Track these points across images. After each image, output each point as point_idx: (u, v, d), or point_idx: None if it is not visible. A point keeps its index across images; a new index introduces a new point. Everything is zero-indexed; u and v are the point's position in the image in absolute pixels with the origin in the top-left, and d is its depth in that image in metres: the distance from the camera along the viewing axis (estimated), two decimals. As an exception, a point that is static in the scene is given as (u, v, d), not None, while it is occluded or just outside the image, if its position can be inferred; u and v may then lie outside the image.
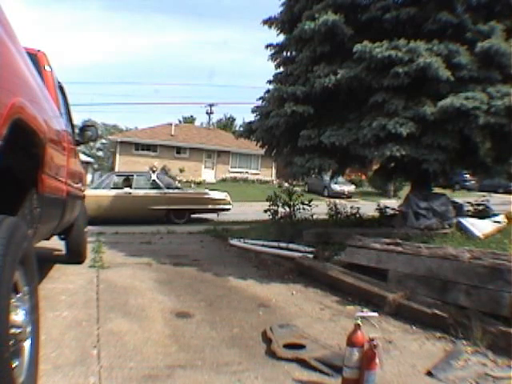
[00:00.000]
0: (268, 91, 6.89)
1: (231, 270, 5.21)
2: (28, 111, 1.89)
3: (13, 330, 1.49)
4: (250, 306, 3.74)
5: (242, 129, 8.54)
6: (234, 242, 7.14)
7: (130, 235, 8.22)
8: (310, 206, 7.45)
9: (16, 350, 1.53)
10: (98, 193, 10.39)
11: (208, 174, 28.15)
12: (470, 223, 5.78)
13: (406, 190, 9.28)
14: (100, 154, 44.40)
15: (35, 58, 3.27)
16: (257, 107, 7.00)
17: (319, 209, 7.83)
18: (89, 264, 5.07)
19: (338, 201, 9.21)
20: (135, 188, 11.13)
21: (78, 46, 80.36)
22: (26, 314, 1.69)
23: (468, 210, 6.99)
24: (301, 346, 2.75)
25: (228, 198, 12.15)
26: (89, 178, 15.29)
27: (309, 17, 5.76)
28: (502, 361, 2.70)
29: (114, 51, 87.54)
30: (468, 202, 7.44)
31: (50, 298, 3.55)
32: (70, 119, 4.42)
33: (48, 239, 4.03)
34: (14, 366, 1.46)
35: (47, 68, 3.55)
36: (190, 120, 42.94)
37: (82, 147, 7.15)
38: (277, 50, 7.04)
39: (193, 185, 24.84)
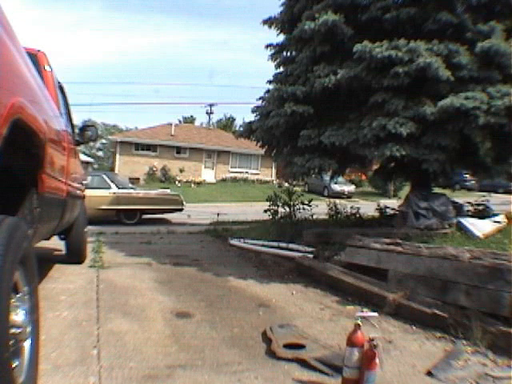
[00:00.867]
0: (268, 91, 6.89)
1: (231, 270, 5.21)
2: (28, 111, 1.89)
3: (13, 330, 1.49)
4: (250, 306, 3.74)
5: (241, 129, 8.53)
6: (234, 241, 7.14)
7: (130, 235, 8.22)
8: (310, 205, 7.46)
9: (16, 350, 1.53)
10: None
11: (208, 174, 28.15)
12: (470, 223, 5.78)
13: (406, 190, 9.28)
14: (100, 153, 44.44)
15: (35, 58, 3.27)
16: (257, 107, 6.99)
17: (319, 209, 7.83)
18: (89, 264, 5.07)
19: (338, 201, 9.20)
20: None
21: (79, 45, 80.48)
22: (26, 314, 1.69)
23: (468, 210, 6.98)
24: (301, 346, 2.75)
25: (180, 199, 11.95)
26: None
27: (309, 17, 5.75)
28: (501, 361, 2.71)
29: (114, 51, 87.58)
30: (468, 202, 7.43)
31: (50, 298, 3.55)
32: (70, 119, 4.42)
33: (48, 239, 4.03)
34: (14, 366, 1.46)
35: (47, 68, 3.55)
36: (189, 120, 42.95)
37: (82, 147, 7.14)
38: (277, 50, 7.03)
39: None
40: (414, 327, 3.32)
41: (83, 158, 21.30)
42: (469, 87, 4.98)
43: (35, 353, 1.76)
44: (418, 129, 5.04)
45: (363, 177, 25.22)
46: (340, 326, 3.26)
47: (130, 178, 25.68)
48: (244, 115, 64.88)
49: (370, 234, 5.38)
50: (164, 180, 26.47)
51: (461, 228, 5.74)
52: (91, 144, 34.97)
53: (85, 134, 4.58)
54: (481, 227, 5.71)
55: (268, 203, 7.76)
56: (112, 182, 11.19)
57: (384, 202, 10.41)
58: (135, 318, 3.25)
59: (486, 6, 5.34)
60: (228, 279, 4.74)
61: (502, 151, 5.40)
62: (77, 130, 4.60)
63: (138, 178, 26.35)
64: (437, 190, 7.46)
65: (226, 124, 43.74)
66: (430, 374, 2.52)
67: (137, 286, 4.26)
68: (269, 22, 6.95)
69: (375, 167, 9.11)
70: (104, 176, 11.38)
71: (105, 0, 78.39)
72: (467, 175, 17.52)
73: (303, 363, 2.55)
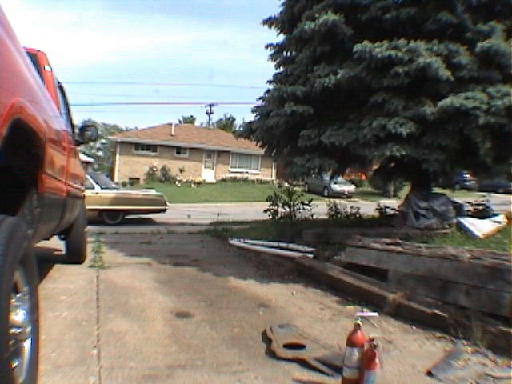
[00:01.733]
0: (268, 91, 6.89)
1: (231, 270, 5.21)
2: (28, 111, 1.89)
3: (13, 330, 1.49)
4: (250, 306, 3.74)
5: (242, 129, 8.54)
6: (234, 241, 7.14)
7: (130, 235, 8.22)
8: (309, 205, 7.46)
9: (16, 350, 1.53)
10: None
11: (208, 174, 28.16)
12: (470, 223, 5.78)
13: (406, 190, 9.28)
14: (100, 153, 44.43)
15: (35, 58, 3.27)
16: (257, 107, 6.99)
17: (319, 209, 7.83)
18: (89, 264, 5.07)
19: (338, 201, 9.20)
20: None
21: (79, 45, 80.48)
22: (26, 314, 1.69)
23: (468, 210, 6.98)
24: (301, 346, 2.75)
25: (163, 199, 11.89)
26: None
27: (309, 17, 5.76)
28: (501, 361, 2.71)
29: (114, 51, 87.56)
30: (468, 202, 7.43)
31: (50, 297, 3.55)
32: (70, 119, 4.42)
33: (48, 239, 4.03)
34: (14, 366, 1.46)
35: (47, 68, 3.55)
36: (189, 120, 42.94)
37: (82, 147, 7.14)
38: (277, 50, 7.04)
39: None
40: (413, 327, 3.32)
41: (83, 158, 21.29)
42: (469, 87, 4.98)
43: (35, 353, 1.76)
44: (417, 129, 5.04)
45: (363, 177, 25.24)
46: (340, 326, 3.26)
47: (129, 178, 25.80)
48: (244, 115, 65.04)
49: (369, 234, 5.38)
50: (164, 180, 26.48)
51: (461, 228, 5.75)
52: (91, 144, 34.99)
53: (85, 133, 4.58)
54: (481, 227, 5.72)
55: (268, 203, 7.76)
56: (95, 182, 11.13)
57: (384, 201, 10.42)
58: (135, 318, 3.25)
59: (486, 6, 5.34)
60: (228, 279, 4.74)
61: (502, 151, 5.41)
62: (77, 130, 4.60)
63: (138, 178, 26.37)
64: (437, 190, 7.46)
65: (226, 124, 43.74)
66: (430, 374, 2.51)
67: (137, 286, 4.26)
68: (269, 22, 6.95)
69: (375, 167, 9.11)
70: (87, 176, 11.35)
71: (105, 0, 78.44)
72: (467, 175, 17.55)
73: (303, 363, 2.54)
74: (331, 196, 18.34)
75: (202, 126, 37.14)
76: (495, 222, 6.24)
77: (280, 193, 8.01)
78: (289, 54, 6.93)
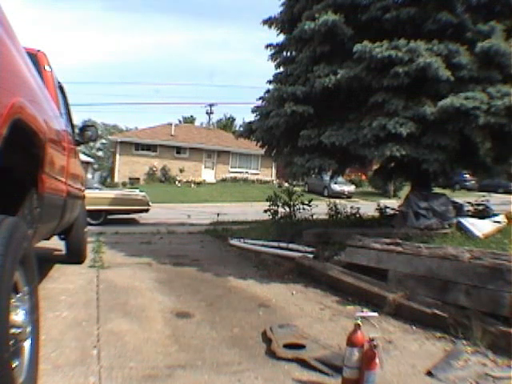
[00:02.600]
0: (268, 91, 6.89)
1: (231, 270, 5.21)
2: (28, 111, 1.89)
3: (13, 330, 1.49)
4: (250, 306, 3.74)
5: (242, 129, 8.54)
6: (234, 241, 7.14)
7: (130, 235, 8.22)
8: (309, 206, 7.46)
9: (16, 350, 1.53)
10: None
11: (208, 174, 28.16)
12: (470, 223, 5.78)
13: (406, 190, 9.28)
14: (100, 154, 44.41)
15: (35, 58, 3.27)
16: (257, 107, 6.99)
17: (319, 209, 7.83)
18: (89, 264, 5.07)
19: (338, 201, 9.20)
20: None
21: (78, 45, 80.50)
22: (26, 314, 1.69)
23: (468, 210, 6.98)
24: (301, 346, 2.75)
25: (146, 199, 11.86)
26: (89, 177, 15.15)
27: (309, 17, 5.75)
28: (502, 361, 2.71)
29: (114, 51, 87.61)
30: (468, 202, 7.43)
31: (50, 298, 3.55)
32: (70, 119, 4.42)
33: (48, 239, 4.03)
34: (14, 366, 1.46)
35: (47, 68, 3.56)
36: (190, 120, 42.93)
37: (82, 147, 7.14)
38: (277, 50, 7.03)
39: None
40: (413, 327, 3.32)
41: (83, 158, 21.28)
42: (469, 87, 4.98)
43: (35, 353, 1.76)
44: (417, 129, 5.04)
45: (363, 177, 25.24)
46: (340, 326, 3.26)
47: (129, 178, 25.80)
48: (244, 115, 65.00)
49: (369, 234, 5.38)
50: (164, 180, 26.49)
51: (461, 228, 5.74)
52: (91, 144, 34.97)
53: (85, 134, 4.58)
54: (481, 227, 5.71)
55: (268, 203, 7.76)
56: None
57: (384, 201, 10.42)
58: (135, 318, 3.25)
59: (486, 6, 5.34)
60: (228, 279, 4.74)
61: (502, 151, 5.41)
62: (77, 130, 4.60)
63: (138, 178, 26.38)
64: (437, 190, 7.46)
65: (226, 124, 43.73)
66: (430, 374, 2.51)
67: (137, 286, 4.26)
68: (269, 22, 6.95)
69: (375, 167, 9.11)
70: None
71: (105, 0, 78.44)
72: (467, 175, 17.55)
73: (303, 363, 2.54)
74: (331, 196, 18.34)
75: (201, 126, 37.14)
76: (495, 221, 6.24)
77: (280, 193, 8.01)
78: (289, 54, 6.92)
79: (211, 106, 35.84)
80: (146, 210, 11.84)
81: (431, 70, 4.84)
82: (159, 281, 4.50)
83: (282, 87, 6.01)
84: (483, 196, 10.35)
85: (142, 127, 31.12)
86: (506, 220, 6.43)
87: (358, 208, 8.30)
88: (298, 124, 5.92)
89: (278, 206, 7.65)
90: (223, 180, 27.82)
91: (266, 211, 7.86)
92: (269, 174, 29.18)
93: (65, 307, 3.38)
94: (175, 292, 4.08)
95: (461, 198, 9.02)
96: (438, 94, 5.01)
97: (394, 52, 4.94)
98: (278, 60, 7.02)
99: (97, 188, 12.06)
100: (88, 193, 10.90)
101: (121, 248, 6.45)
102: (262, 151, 7.91)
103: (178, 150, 27.96)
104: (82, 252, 5.11)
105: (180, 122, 39.57)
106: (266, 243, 6.59)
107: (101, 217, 11.00)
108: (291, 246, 6.17)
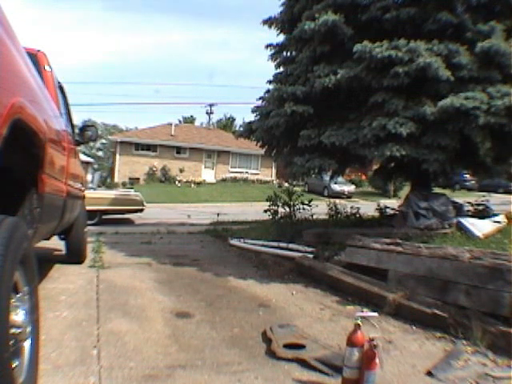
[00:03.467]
0: (268, 91, 6.89)
1: (231, 270, 5.21)
2: (28, 111, 1.89)
3: (13, 330, 1.49)
4: (250, 306, 3.74)
5: (242, 129, 8.54)
6: (234, 241, 7.14)
7: (130, 235, 8.22)
8: (309, 206, 7.45)
9: (16, 350, 1.53)
10: None
11: (208, 174, 28.16)
12: (470, 223, 5.78)
13: (406, 190, 9.28)
14: (100, 154, 44.38)
15: (35, 58, 3.27)
16: (257, 107, 6.99)
17: (319, 209, 7.83)
18: (89, 264, 5.07)
19: (338, 201, 9.20)
20: None
21: (78, 45, 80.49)
22: (26, 314, 1.69)
23: (468, 210, 6.98)
24: (301, 346, 2.75)
25: (140, 199, 11.85)
26: (89, 178, 15.14)
27: (309, 17, 5.75)
28: (502, 361, 2.71)
29: (114, 51, 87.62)
30: (468, 202, 7.43)
31: (50, 297, 3.55)
32: (70, 119, 4.42)
33: (48, 239, 4.03)
34: (14, 366, 1.46)
35: (47, 68, 3.56)
36: (189, 120, 42.92)
37: (82, 147, 7.14)
38: (277, 50, 7.04)
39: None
40: (413, 327, 3.32)
41: (83, 158, 21.26)
42: (469, 87, 4.98)
43: (35, 353, 1.76)
44: (417, 129, 5.04)
45: (363, 177, 25.25)
46: (340, 326, 3.26)
47: (129, 178, 25.80)
48: (244, 115, 65.01)
49: (369, 234, 5.38)
50: (164, 180, 26.49)
51: (461, 228, 5.74)
52: (91, 144, 34.96)
53: (85, 134, 4.58)
54: (481, 227, 5.71)
55: (268, 203, 7.75)
56: None
57: (384, 201, 10.42)
58: (135, 318, 3.25)
59: (485, 6, 5.34)
60: (228, 279, 4.74)
61: (502, 151, 5.41)
62: (77, 130, 4.60)
63: (138, 178, 26.38)
64: (437, 190, 7.46)
65: (226, 124, 43.72)
66: (430, 374, 2.51)
67: (137, 285, 4.26)
68: (269, 22, 6.95)
69: (375, 167, 9.11)
70: None
71: (105, 0, 78.46)
72: (467, 175, 17.55)
73: (303, 363, 2.54)
74: (331, 196, 18.34)
75: (202, 126, 37.12)
76: (495, 221, 6.24)
77: (280, 193, 8.00)
78: (289, 54, 6.93)
79: (211, 105, 35.87)
80: (141, 210, 11.85)
81: (431, 70, 4.84)
82: (159, 281, 4.50)
83: (281, 87, 6.01)
84: (483, 196, 10.35)
85: (142, 127, 31.15)
86: (506, 220, 6.43)
87: (358, 208, 8.29)
88: (298, 124, 5.92)
89: (277, 206, 7.64)
90: (223, 180, 27.81)
91: (265, 211, 7.85)
92: (269, 173, 29.18)
93: (65, 307, 3.38)
94: (175, 292, 4.08)
95: (461, 197, 9.02)
96: (438, 94, 5.01)
97: (393, 52, 4.94)
98: (278, 60, 7.02)
99: (91, 188, 12.06)
100: None
101: (121, 248, 6.45)
102: (262, 151, 7.91)
103: (178, 149, 27.95)
104: (82, 252, 5.11)
105: (180, 122, 39.56)
106: (265, 243, 6.59)
107: (96, 217, 10.99)
108: (291, 245, 6.17)
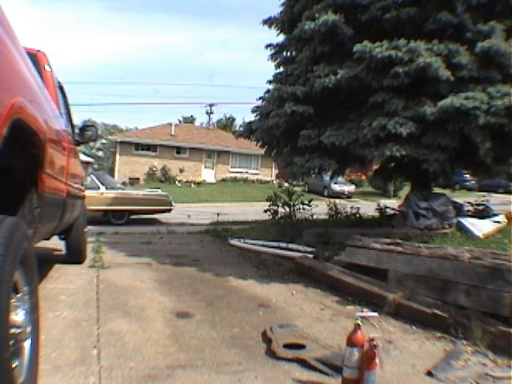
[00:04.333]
0: (268, 91, 6.89)
1: (231, 270, 5.21)
2: (28, 111, 1.89)
3: (13, 330, 1.49)
4: (250, 306, 3.74)
5: (242, 129, 8.54)
6: (234, 241, 7.14)
7: (130, 235, 8.22)
8: (309, 206, 7.45)
9: (16, 350, 1.53)
10: None
11: (208, 174, 28.14)
12: (470, 223, 5.78)
13: (406, 190, 9.28)
14: (100, 154, 44.42)
15: (35, 58, 3.27)
16: (257, 107, 6.99)
17: (319, 209, 7.83)
18: (89, 264, 5.07)
19: (338, 201, 9.20)
20: None
21: (78, 45, 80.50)
22: (26, 314, 1.69)
23: (468, 210, 6.98)
24: (301, 346, 2.75)
25: (169, 199, 11.82)
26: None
27: (309, 17, 5.75)
28: (501, 361, 2.71)
29: (114, 51, 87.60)
30: (468, 202, 7.43)
31: (50, 297, 3.55)
32: (70, 119, 4.42)
33: (48, 239, 4.03)
34: (14, 366, 1.46)
35: (47, 68, 3.55)
36: (189, 120, 42.92)
37: (82, 147, 7.14)
38: (277, 50, 7.04)
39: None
40: (413, 327, 3.32)
41: (83, 158, 21.29)
42: (469, 87, 4.98)
43: (35, 353, 1.76)
44: (417, 129, 5.04)
45: (363, 177, 25.23)
46: (340, 326, 3.26)
47: (129, 178, 25.79)
48: (244, 115, 65.00)
49: (369, 234, 5.38)
50: (164, 180, 26.47)
51: (461, 228, 5.74)
52: (91, 144, 34.98)
53: (85, 134, 4.58)
54: (481, 227, 5.71)
55: (268, 203, 7.75)
56: (101, 182, 11.10)
57: (384, 201, 10.42)
58: (135, 318, 3.25)
59: (485, 6, 5.34)
60: (228, 279, 4.74)
61: (502, 151, 5.41)
62: (77, 130, 4.60)
63: (138, 178, 26.36)
64: (437, 190, 7.46)
65: (226, 124, 43.72)
66: (430, 374, 2.51)
67: (137, 285, 4.26)
68: (269, 22, 6.95)
69: (375, 167, 9.11)
70: (93, 176, 11.31)
71: (105, 0, 78.46)
72: (467, 175, 17.55)
73: (303, 363, 2.54)
74: (331, 196, 18.34)
75: (201, 126, 37.11)
76: (495, 221, 6.24)
77: (280, 193, 8.00)
78: (289, 54, 6.93)
79: (211, 106, 35.84)
80: (169, 210, 11.78)
81: (431, 70, 4.84)
82: (159, 281, 4.50)
83: (282, 87, 6.01)
84: (483, 196, 10.36)
85: (142, 127, 31.15)
86: (506, 220, 6.43)
87: (358, 208, 8.29)
88: (298, 124, 5.92)
89: (277, 206, 7.65)
90: (223, 180, 27.80)
91: (265, 211, 7.85)
92: (269, 174, 29.16)
93: (65, 307, 3.38)
94: (175, 292, 4.08)
95: (461, 197, 9.03)
96: (438, 94, 5.01)
97: (393, 52, 4.94)
98: (278, 60, 7.02)
99: (120, 188, 12.02)
100: (111, 193, 11.02)
101: (121, 248, 6.45)
102: (262, 151, 7.91)
103: (178, 150, 27.93)
104: (82, 252, 5.11)
105: (180, 122, 39.55)
106: (265, 243, 6.60)
107: (124, 217, 11.04)
108: (291, 246, 6.18)
